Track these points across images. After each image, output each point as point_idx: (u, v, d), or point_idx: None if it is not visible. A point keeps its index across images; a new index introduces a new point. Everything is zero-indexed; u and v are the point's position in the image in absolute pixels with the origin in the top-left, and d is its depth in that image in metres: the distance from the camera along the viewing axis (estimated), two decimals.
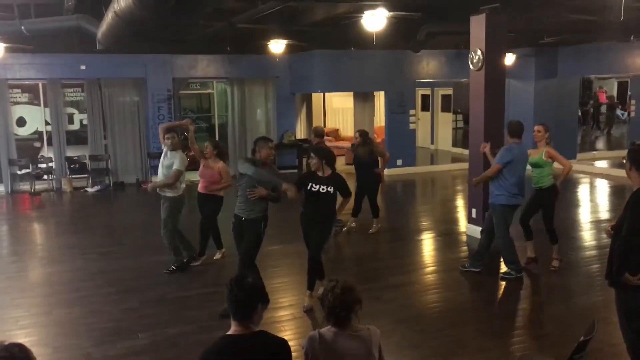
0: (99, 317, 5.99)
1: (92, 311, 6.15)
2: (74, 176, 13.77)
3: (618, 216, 3.99)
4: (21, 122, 13.90)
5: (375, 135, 16.11)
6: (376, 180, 9.03)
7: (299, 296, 6.38)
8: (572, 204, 11.22)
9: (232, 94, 15.03)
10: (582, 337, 3.47)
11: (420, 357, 5.05)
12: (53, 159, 13.68)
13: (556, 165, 6.99)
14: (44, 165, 13.74)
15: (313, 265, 6.09)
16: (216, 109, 16.30)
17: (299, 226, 6.29)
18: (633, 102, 20.00)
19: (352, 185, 9.04)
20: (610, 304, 4.14)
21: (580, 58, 14.70)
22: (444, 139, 19.17)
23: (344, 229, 9.06)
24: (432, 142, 19.55)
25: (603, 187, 13.44)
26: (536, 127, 7.05)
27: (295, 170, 14.64)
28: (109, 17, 8.23)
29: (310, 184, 5.99)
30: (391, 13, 8.43)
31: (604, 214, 10.64)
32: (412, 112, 15.32)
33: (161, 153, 7.37)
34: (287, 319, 5.91)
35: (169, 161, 7.11)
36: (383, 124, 15.88)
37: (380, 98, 16.81)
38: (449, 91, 18.76)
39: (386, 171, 14.14)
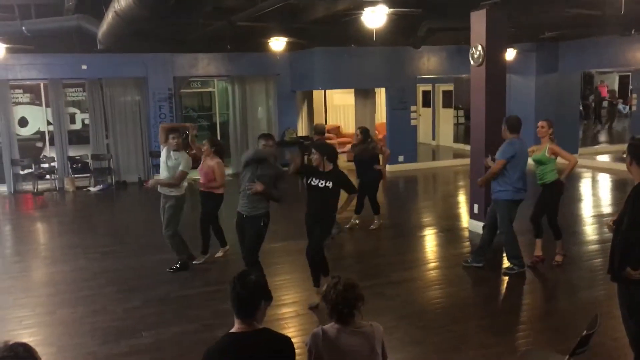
0: (103, 316, 6.01)
1: (95, 310, 6.17)
2: (76, 176, 13.80)
3: (620, 211, 3.99)
4: (23, 122, 13.92)
5: (376, 132, 16.12)
6: (377, 177, 9.03)
7: (302, 293, 6.39)
8: (574, 198, 11.21)
9: (233, 92, 15.04)
10: (584, 332, 3.48)
11: (423, 353, 5.06)
12: (55, 159, 13.70)
13: (561, 160, 6.97)
14: (46, 165, 13.76)
15: (313, 260, 6.07)
16: (217, 107, 16.32)
17: (301, 223, 6.29)
18: (634, 96, 19.99)
19: (353, 181, 9.07)
20: (613, 298, 4.15)
21: (581, 52, 14.67)
22: (446, 135, 19.16)
23: (340, 233, 8.76)
24: (433, 138, 19.55)
25: (605, 182, 13.44)
26: (540, 123, 7.02)
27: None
28: (109, 16, 8.24)
29: (311, 178, 6.01)
30: (391, 10, 8.42)
31: (606, 208, 10.63)
32: (413, 108, 15.32)
33: None
34: (290, 316, 5.91)
35: (175, 162, 7.13)
36: (384, 120, 15.88)
37: (381, 95, 16.81)
38: (450, 87, 18.74)
39: (388, 167, 14.14)
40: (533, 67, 15.17)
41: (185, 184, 7.38)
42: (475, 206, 8.94)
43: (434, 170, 15.26)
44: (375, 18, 8.41)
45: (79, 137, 14.43)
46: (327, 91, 18.23)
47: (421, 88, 18.55)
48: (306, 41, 13.16)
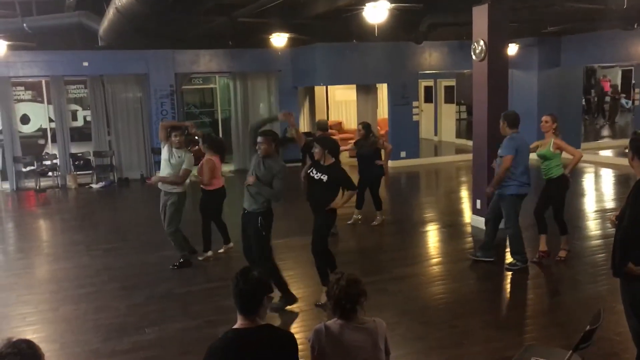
0: (106, 312, 6.02)
1: (98, 307, 6.18)
2: (78, 173, 13.82)
3: (622, 206, 3.98)
4: (25, 119, 13.93)
5: (378, 128, 16.09)
6: (379, 173, 9.02)
7: (305, 289, 6.39)
8: (577, 193, 11.19)
9: (235, 88, 15.03)
10: (588, 327, 3.47)
11: (425, 349, 5.06)
12: (57, 156, 13.72)
13: (565, 154, 6.95)
14: (48, 162, 13.78)
15: (316, 258, 6.05)
16: (219, 104, 16.30)
17: (303, 218, 6.29)
18: (637, 90, 19.93)
19: (355, 177, 9.06)
20: (616, 293, 4.14)
21: (583, 47, 14.62)
22: (448, 131, 19.13)
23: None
24: (435, 134, 19.52)
25: (608, 177, 13.41)
26: (544, 118, 6.98)
27: (299, 164, 14.60)
28: (110, 13, 8.23)
29: (312, 169, 6.01)
30: (393, 5, 8.41)
31: (609, 203, 10.61)
32: (415, 103, 15.29)
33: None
34: (293, 312, 5.90)
35: (178, 160, 7.14)
36: (386, 116, 15.85)
37: (383, 90, 16.77)
38: (452, 82, 18.69)
39: (390, 163, 14.09)
40: (535, 62, 15.13)
41: (187, 181, 7.40)
42: (478, 202, 8.92)
43: (436, 166, 15.25)
44: (376, 13, 8.39)
45: (80, 134, 14.43)
46: (329, 87, 18.20)
47: (423, 83, 18.51)
48: (308, 37, 13.14)
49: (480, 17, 8.63)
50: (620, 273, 3.84)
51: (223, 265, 7.46)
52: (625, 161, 4.16)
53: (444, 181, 14.17)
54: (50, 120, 13.87)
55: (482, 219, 8.55)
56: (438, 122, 19.43)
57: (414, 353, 4.99)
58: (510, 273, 6.88)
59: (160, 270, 7.28)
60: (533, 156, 7.06)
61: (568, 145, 6.90)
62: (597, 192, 12.04)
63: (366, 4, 8.37)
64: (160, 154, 7.69)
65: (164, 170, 7.27)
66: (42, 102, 14.04)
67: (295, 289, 6.47)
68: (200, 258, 7.58)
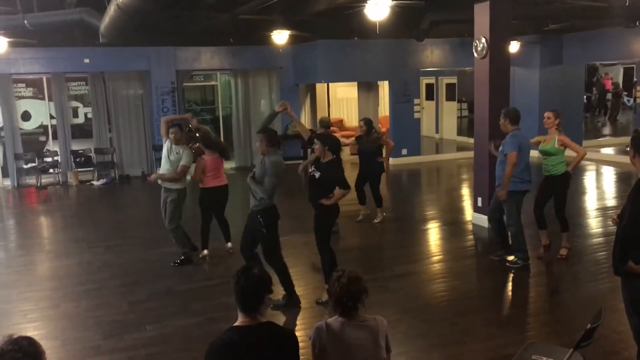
0: (107, 309, 6.02)
1: (99, 304, 6.18)
2: (79, 170, 13.82)
3: (623, 204, 3.97)
4: (26, 116, 13.93)
5: (380, 125, 16.08)
6: (379, 169, 9.01)
7: (306, 287, 6.39)
8: (579, 191, 11.18)
9: (236, 85, 15.02)
10: (589, 325, 3.47)
11: (427, 346, 5.05)
12: (58, 153, 13.73)
13: (568, 151, 6.93)
14: (49, 159, 13.80)
15: (320, 256, 6.05)
16: (220, 101, 16.29)
17: (305, 216, 6.28)
18: (639, 88, 19.89)
19: (355, 174, 9.07)
20: (617, 291, 4.13)
21: (585, 44, 14.59)
22: (449, 128, 19.12)
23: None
24: (437, 131, 19.50)
25: (609, 174, 13.40)
26: (546, 114, 6.97)
27: (301, 161, 14.60)
28: (111, 9, 8.21)
29: (313, 166, 6.00)
30: (394, 2, 8.38)
31: (610, 201, 10.60)
32: (416, 101, 15.29)
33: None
34: (294, 309, 5.90)
35: (177, 156, 7.14)
36: (387, 113, 15.84)
37: (384, 87, 16.75)
38: (454, 80, 18.68)
39: (391, 160, 14.11)
40: (537, 59, 15.10)
41: (188, 177, 7.40)
42: (479, 199, 8.92)
43: (437, 164, 15.24)
44: (378, 10, 8.37)
45: (82, 131, 14.45)
46: (330, 84, 18.19)
47: (424, 81, 18.50)
48: (309, 34, 13.12)
49: (482, 14, 8.61)
50: (621, 271, 3.84)
51: (224, 263, 7.45)
52: (626, 159, 4.15)
53: (445, 179, 14.16)
54: (51, 117, 13.88)
55: (484, 217, 8.58)
56: (439, 119, 19.42)
57: (415, 351, 4.99)
58: (511, 271, 6.87)
59: (161, 267, 7.28)
60: (534, 153, 7.05)
61: (572, 142, 6.89)
62: (599, 190, 12.03)
63: (367, 1, 8.34)
64: (161, 150, 7.68)
65: (164, 167, 7.27)
66: (43, 99, 14.05)
67: (296, 286, 6.47)
68: (200, 256, 7.58)
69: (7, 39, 10.84)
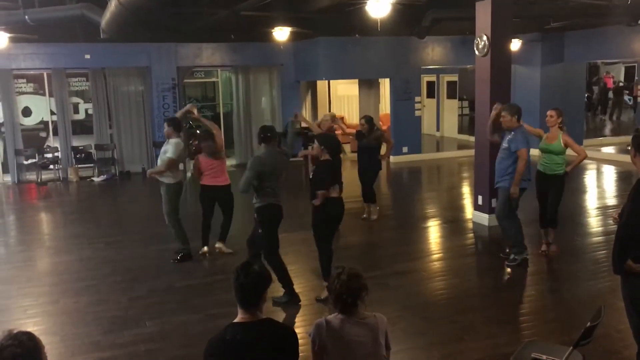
0: (107, 305, 6.03)
1: (99, 300, 6.19)
2: (79, 166, 13.82)
3: (624, 203, 3.97)
4: (27, 112, 13.91)
5: (380, 123, 16.07)
6: (378, 167, 9.01)
7: (306, 284, 6.39)
8: (579, 189, 11.18)
9: (237, 82, 15.00)
10: (588, 323, 3.47)
11: (426, 344, 5.06)
12: (59, 149, 13.72)
13: (568, 151, 6.92)
14: (50, 155, 13.78)
15: (319, 255, 6.05)
16: (221, 98, 16.28)
17: (303, 213, 6.28)
18: None
19: (355, 172, 9.07)
20: (617, 290, 4.13)
21: (586, 43, 14.56)
22: (450, 126, 19.10)
23: None
24: (437, 129, 19.49)
25: (610, 173, 13.39)
26: (549, 112, 6.96)
27: (301, 159, 14.62)
28: (112, 5, 8.20)
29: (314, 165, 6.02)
30: None
31: (611, 200, 10.60)
32: (417, 99, 15.27)
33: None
34: (293, 306, 5.90)
35: (165, 148, 7.17)
36: (388, 111, 15.83)
37: (385, 85, 16.74)
38: (455, 78, 18.65)
39: (392, 158, 14.15)
40: (538, 57, 15.08)
41: (188, 173, 7.39)
42: (480, 197, 8.91)
43: (438, 162, 15.23)
44: (379, 8, 8.35)
45: (82, 127, 14.43)
46: (331, 81, 18.18)
47: (425, 79, 18.49)
48: (310, 31, 13.09)
49: (483, 12, 8.60)
50: (620, 270, 3.83)
51: (224, 259, 7.44)
52: (627, 158, 4.14)
53: (445, 177, 14.15)
54: (52, 113, 13.86)
55: (484, 215, 8.59)
56: (440, 117, 19.40)
57: (415, 348, 5.00)
58: (510, 269, 6.87)
59: (161, 264, 7.28)
60: (534, 152, 7.04)
61: (574, 143, 6.88)
62: (599, 189, 12.02)
63: None
64: (161, 147, 7.68)
65: (159, 162, 7.32)
66: (43, 94, 14.03)
67: (296, 284, 6.47)
68: (200, 252, 7.57)
69: (7, 35, 10.83)
